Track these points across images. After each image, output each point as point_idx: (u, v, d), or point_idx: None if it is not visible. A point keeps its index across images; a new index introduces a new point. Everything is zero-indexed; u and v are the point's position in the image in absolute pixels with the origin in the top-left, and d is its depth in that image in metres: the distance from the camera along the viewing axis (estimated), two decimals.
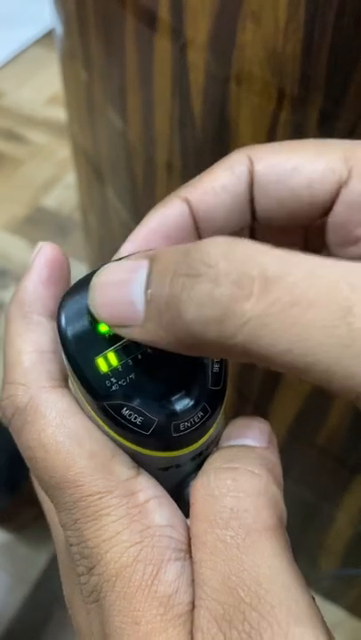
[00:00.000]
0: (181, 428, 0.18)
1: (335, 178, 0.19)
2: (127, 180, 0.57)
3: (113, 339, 0.18)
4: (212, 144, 0.41)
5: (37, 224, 1.31)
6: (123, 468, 0.19)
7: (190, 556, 0.18)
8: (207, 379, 0.19)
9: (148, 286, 0.16)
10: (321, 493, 0.64)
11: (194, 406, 0.19)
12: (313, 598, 0.18)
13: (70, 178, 1.39)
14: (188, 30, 0.37)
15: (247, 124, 0.37)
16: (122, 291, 0.16)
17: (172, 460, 0.19)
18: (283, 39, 0.32)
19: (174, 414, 0.18)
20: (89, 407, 0.19)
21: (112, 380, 0.18)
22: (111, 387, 0.18)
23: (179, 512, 0.19)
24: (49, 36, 1.75)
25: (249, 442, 0.20)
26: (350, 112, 0.32)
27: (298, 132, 0.35)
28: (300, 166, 0.19)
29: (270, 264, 0.14)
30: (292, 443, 0.59)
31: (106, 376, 0.18)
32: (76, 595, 0.19)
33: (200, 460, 0.20)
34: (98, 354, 0.18)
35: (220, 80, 0.37)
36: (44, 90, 1.62)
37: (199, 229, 0.21)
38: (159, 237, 0.21)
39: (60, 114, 1.53)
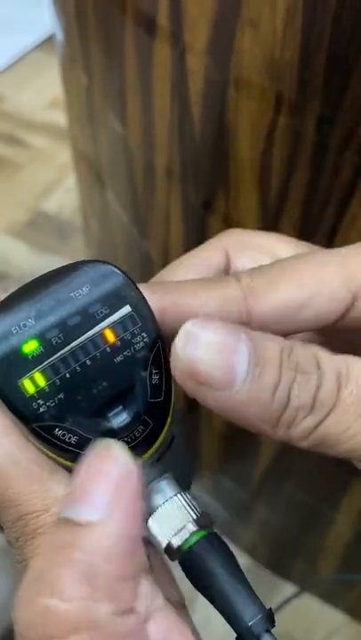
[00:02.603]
0: None
1: (341, 306, 0.20)
2: (127, 184, 0.57)
3: (38, 359, 0.17)
4: (212, 149, 0.41)
5: (38, 228, 1.31)
6: (60, 485, 0.18)
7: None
8: (146, 391, 0.18)
9: (255, 363, 0.17)
10: (320, 495, 0.64)
11: (132, 420, 0.18)
12: None
13: (70, 181, 1.39)
14: (188, 36, 0.37)
15: (246, 129, 0.37)
16: (221, 355, 0.17)
17: None
18: (281, 45, 0.32)
19: (111, 431, 0.18)
20: (23, 428, 0.18)
21: (39, 401, 0.17)
22: (39, 408, 0.17)
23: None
24: (49, 40, 1.75)
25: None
26: (348, 118, 0.32)
27: (296, 137, 0.35)
28: (306, 304, 0.19)
29: (343, 365, 0.17)
30: (292, 445, 0.59)
31: (32, 398, 0.17)
32: None
33: (162, 464, 0.20)
34: (23, 375, 0.17)
35: (219, 85, 0.37)
36: (44, 94, 1.63)
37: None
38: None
39: (60, 118, 1.53)
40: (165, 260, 0.58)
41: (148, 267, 0.62)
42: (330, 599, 0.82)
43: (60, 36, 0.62)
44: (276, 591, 0.82)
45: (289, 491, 0.67)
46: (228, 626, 0.19)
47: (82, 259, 0.20)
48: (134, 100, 0.47)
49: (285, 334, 0.20)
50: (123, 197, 0.61)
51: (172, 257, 0.57)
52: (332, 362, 0.17)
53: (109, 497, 0.16)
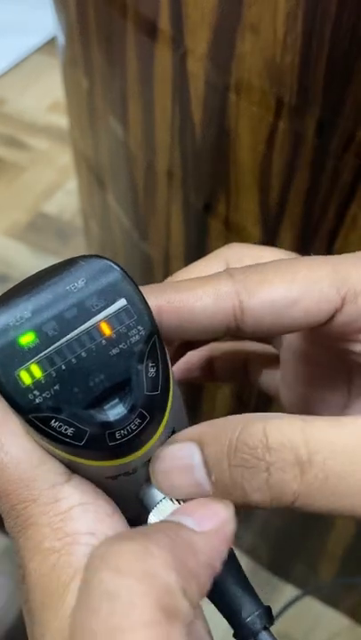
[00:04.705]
0: (117, 436, 0.18)
1: (330, 306, 0.20)
2: (128, 187, 0.57)
3: (35, 350, 0.18)
4: (212, 152, 0.42)
5: (39, 230, 1.31)
6: (49, 475, 0.19)
7: None
8: (142, 384, 0.18)
9: (209, 472, 0.19)
10: None
11: (129, 413, 0.18)
12: None
13: (71, 184, 1.39)
14: (188, 40, 0.37)
15: (246, 132, 0.38)
16: (185, 476, 0.19)
17: (117, 468, 0.19)
18: (281, 50, 0.32)
19: (107, 423, 0.18)
20: (20, 420, 0.18)
21: (35, 392, 0.17)
22: (35, 399, 0.17)
23: (109, 519, 0.19)
24: (51, 43, 1.76)
25: (187, 522, 0.18)
26: (348, 122, 0.32)
27: (296, 141, 0.35)
28: (296, 300, 0.20)
29: (301, 447, 0.18)
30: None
31: (28, 389, 0.17)
32: (22, 604, 0.19)
33: None
34: (19, 367, 0.18)
35: (220, 89, 0.37)
36: (45, 97, 1.63)
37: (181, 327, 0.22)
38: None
39: (61, 121, 1.53)
40: (166, 263, 0.58)
41: (149, 269, 0.62)
42: (331, 601, 0.82)
43: (61, 39, 0.63)
44: (276, 593, 0.82)
45: None
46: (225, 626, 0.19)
47: None
48: (135, 103, 0.48)
49: (277, 332, 0.21)
50: (123, 200, 0.61)
51: (173, 259, 0.57)
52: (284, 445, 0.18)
53: None
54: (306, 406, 0.26)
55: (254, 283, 0.20)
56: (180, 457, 0.19)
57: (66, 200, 1.37)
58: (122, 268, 0.19)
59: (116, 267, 0.19)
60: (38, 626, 0.17)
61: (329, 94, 0.32)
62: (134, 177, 0.55)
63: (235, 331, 0.21)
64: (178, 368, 0.29)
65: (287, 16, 0.31)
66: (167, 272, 0.59)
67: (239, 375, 0.29)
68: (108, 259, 0.19)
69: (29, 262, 1.23)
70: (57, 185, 1.41)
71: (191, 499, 0.19)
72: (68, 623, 0.16)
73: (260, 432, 0.18)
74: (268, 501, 0.18)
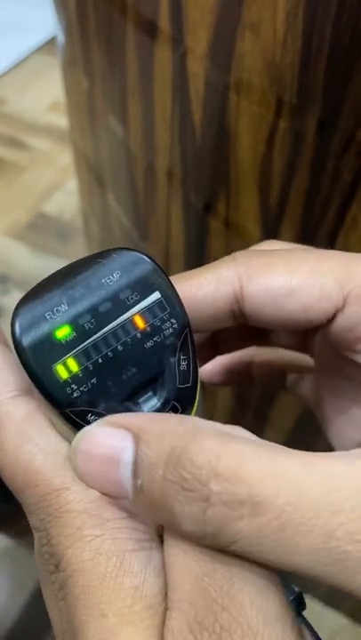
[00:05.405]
0: None
1: (331, 304, 0.19)
2: (128, 187, 0.57)
3: (71, 344, 0.18)
4: (212, 152, 0.42)
5: (39, 230, 1.31)
6: None
7: (158, 546, 0.18)
8: (175, 377, 0.19)
9: (136, 474, 0.16)
10: None
11: (162, 406, 0.18)
12: (298, 594, 0.17)
13: (71, 184, 1.39)
14: (188, 40, 0.37)
15: (246, 132, 0.38)
16: (107, 468, 0.16)
17: None
18: (281, 49, 0.32)
19: None
20: (54, 414, 0.18)
21: (72, 386, 0.18)
22: (72, 393, 0.18)
23: None
24: (51, 43, 1.76)
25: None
26: (348, 121, 0.32)
27: (296, 140, 0.35)
28: (295, 291, 0.19)
29: (258, 483, 0.15)
30: (291, 449, 0.59)
31: (66, 383, 0.17)
32: (49, 596, 0.19)
33: None
34: (56, 361, 0.17)
35: (220, 89, 0.37)
36: (45, 97, 1.63)
37: None
38: None
39: (61, 121, 1.54)
40: (166, 263, 0.58)
41: None
42: (331, 602, 0.82)
43: (61, 39, 0.63)
44: None
45: None
46: None
47: None
48: (135, 103, 0.48)
49: (280, 325, 0.20)
50: (123, 200, 0.61)
51: (173, 259, 0.57)
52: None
53: None
54: (337, 421, 0.24)
55: (256, 267, 0.20)
56: (109, 445, 0.16)
57: (66, 200, 1.37)
58: (154, 261, 0.19)
59: (148, 259, 0.19)
60: (87, 608, 0.17)
61: (329, 94, 0.32)
62: (134, 177, 0.54)
63: (240, 318, 0.21)
64: (212, 371, 0.29)
65: (287, 15, 0.31)
66: (167, 272, 0.59)
67: (277, 382, 0.28)
68: (139, 251, 0.19)
69: (29, 262, 1.23)
70: (57, 185, 1.41)
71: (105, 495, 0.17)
72: (134, 600, 0.16)
73: (212, 450, 0.15)
74: (199, 535, 0.15)
